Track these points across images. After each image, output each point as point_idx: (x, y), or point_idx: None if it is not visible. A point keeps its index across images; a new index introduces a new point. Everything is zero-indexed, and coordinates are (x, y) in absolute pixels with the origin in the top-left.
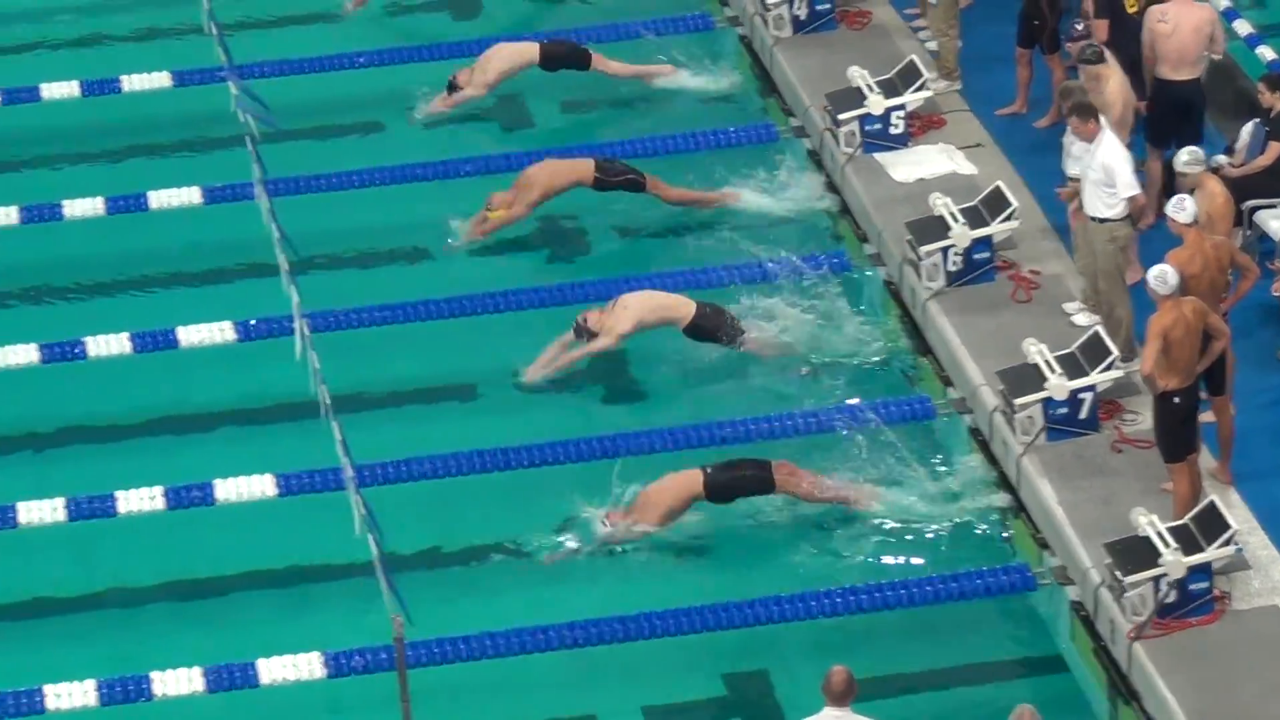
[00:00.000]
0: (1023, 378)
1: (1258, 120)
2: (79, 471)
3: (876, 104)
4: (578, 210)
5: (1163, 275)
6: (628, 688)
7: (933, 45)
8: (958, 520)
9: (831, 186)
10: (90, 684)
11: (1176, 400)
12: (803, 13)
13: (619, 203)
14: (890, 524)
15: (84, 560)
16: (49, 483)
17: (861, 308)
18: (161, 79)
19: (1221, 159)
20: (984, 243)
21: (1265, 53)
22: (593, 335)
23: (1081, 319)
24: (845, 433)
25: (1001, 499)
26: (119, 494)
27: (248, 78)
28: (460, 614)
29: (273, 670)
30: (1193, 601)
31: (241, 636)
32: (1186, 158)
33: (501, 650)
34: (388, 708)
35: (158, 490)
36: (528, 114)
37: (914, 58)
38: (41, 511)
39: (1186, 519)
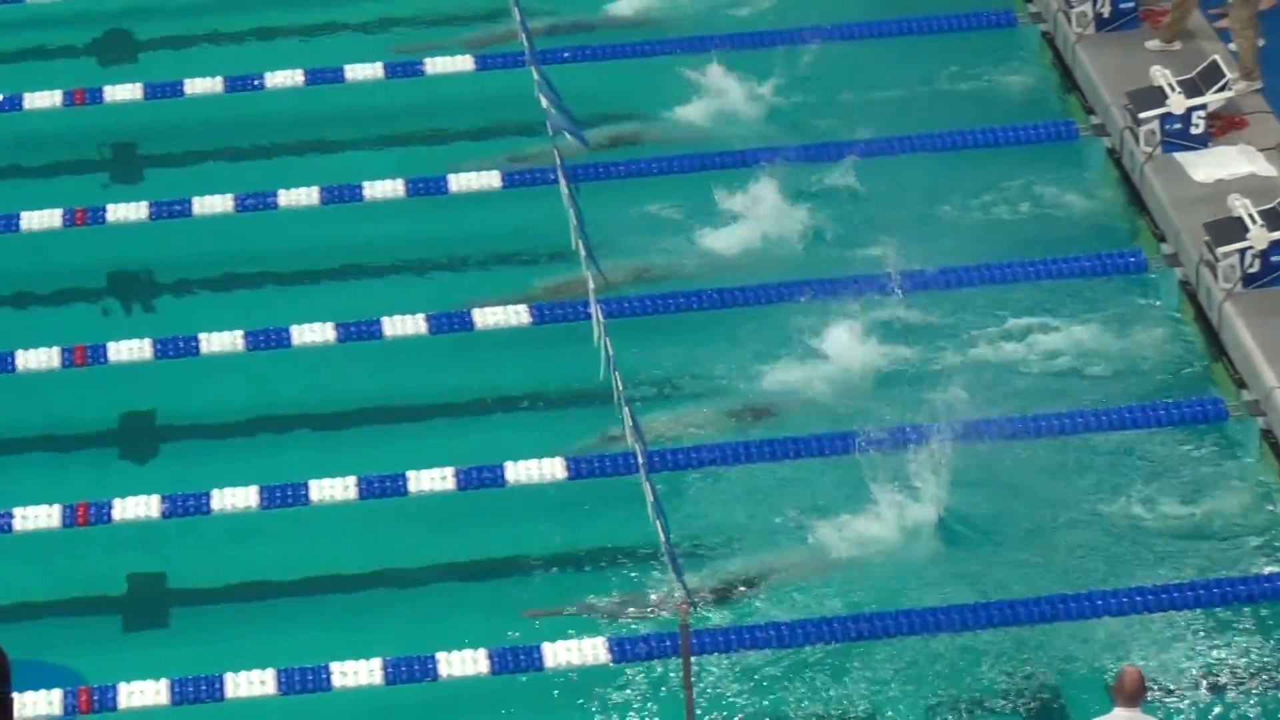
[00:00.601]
0: None
1: None
2: (372, 452)
3: (1178, 103)
4: (863, 201)
5: None
6: (905, 683)
7: (1234, 46)
8: (1249, 524)
9: (1129, 185)
10: (377, 662)
11: None
12: (1106, 10)
13: (916, 194)
14: (1179, 525)
15: (369, 538)
16: (340, 462)
17: (1157, 306)
18: (464, 63)
19: None
20: None
21: None
22: None
23: None
24: (1138, 433)
25: None
26: (410, 474)
27: (549, 63)
28: (736, 604)
29: (557, 654)
30: None
31: (525, 620)
32: None
33: (785, 641)
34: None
35: (449, 471)
36: (827, 103)
37: (1216, 58)
38: (334, 490)
39: None
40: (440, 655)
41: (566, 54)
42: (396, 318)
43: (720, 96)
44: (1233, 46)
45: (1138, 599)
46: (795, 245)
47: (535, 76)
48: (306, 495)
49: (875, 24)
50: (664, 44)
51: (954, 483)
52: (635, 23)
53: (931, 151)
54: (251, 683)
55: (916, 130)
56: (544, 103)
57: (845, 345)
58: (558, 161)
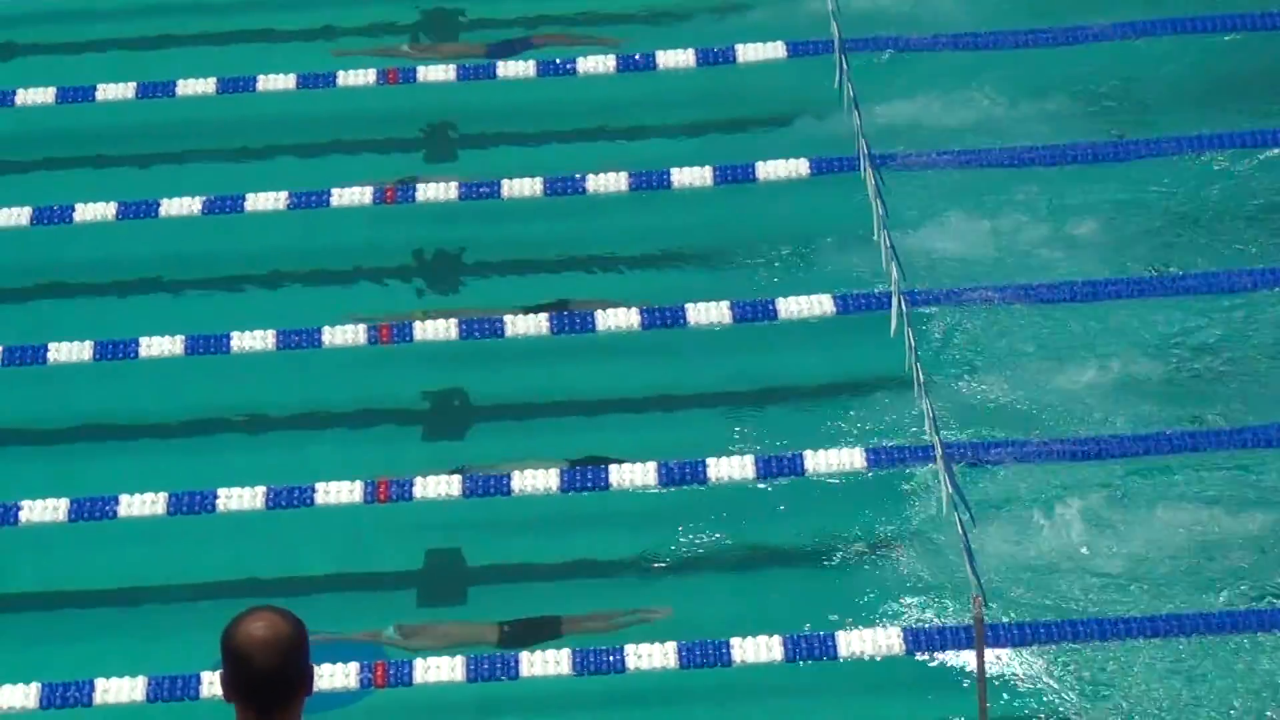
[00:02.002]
0: None
1: None
2: (671, 440)
3: None
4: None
5: None
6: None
7: None
8: None
9: None
10: (671, 645)
11: None
12: None
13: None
14: None
15: (667, 526)
16: (641, 447)
17: None
18: (775, 49)
19: None
20: None
21: None
22: None
23: None
24: None
25: None
26: (710, 460)
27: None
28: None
29: (851, 644)
30: None
31: (818, 608)
32: None
33: (1081, 637)
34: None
35: (749, 459)
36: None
37: None
38: (634, 474)
39: None
40: (734, 641)
41: (887, 51)
42: (701, 305)
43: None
44: None
45: None
46: (1103, 244)
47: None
48: (607, 480)
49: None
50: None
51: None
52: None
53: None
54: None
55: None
56: (849, 92)
57: (1151, 350)
58: (863, 150)
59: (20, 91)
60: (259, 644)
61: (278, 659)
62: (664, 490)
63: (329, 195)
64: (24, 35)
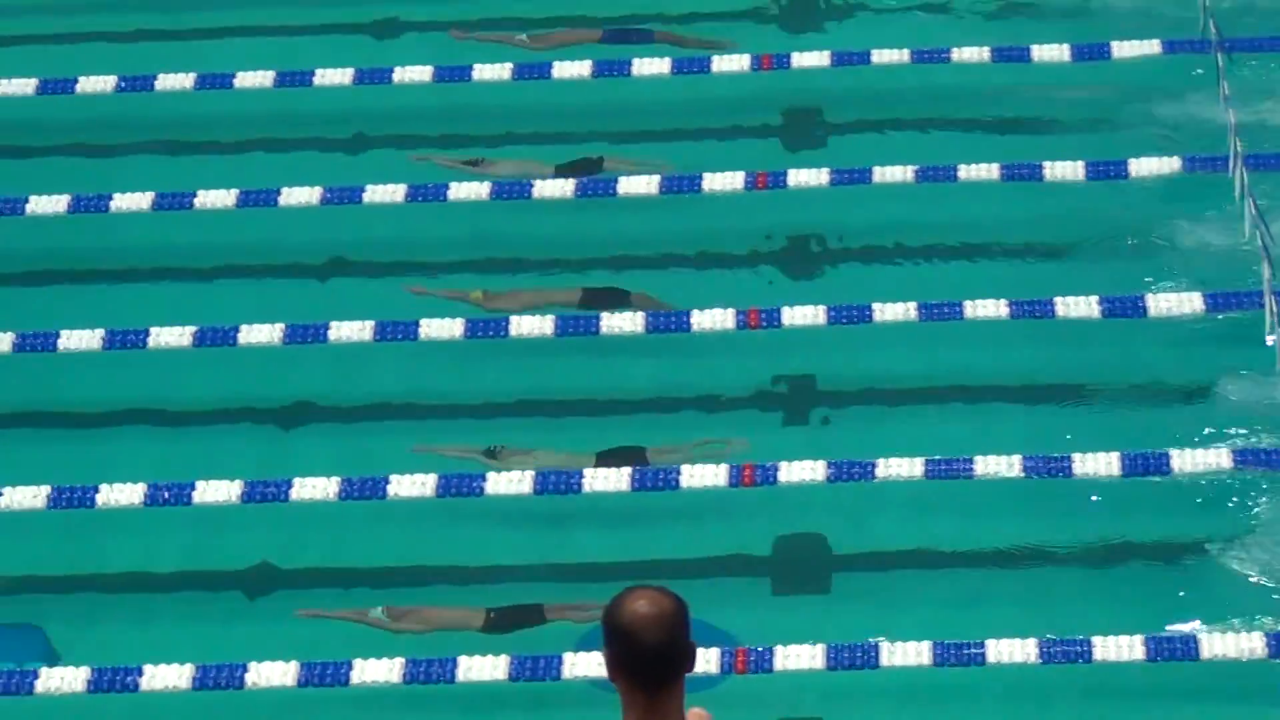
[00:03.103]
0: None
1: None
2: (1035, 430)
3: None
4: None
5: None
6: None
7: None
8: None
9: None
10: (1033, 642)
11: None
12: None
13: None
14: None
15: (1037, 517)
16: (1003, 438)
17: None
18: (1153, 47)
19: None
20: None
21: None
22: None
23: None
24: None
25: None
26: (1076, 456)
27: None
28: None
29: (1214, 646)
30: None
31: (1178, 608)
32: None
33: None
34: None
35: (1114, 457)
36: None
37: None
38: (998, 465)
39: None
40: (1096, 640)
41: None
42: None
43: None
44: None
45: None
46: None
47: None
48: (972, 469)
49: None
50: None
51: None
52: None
53: None
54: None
55: None
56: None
57: None
58: (1235, 149)
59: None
60: (645, 621)
61: (665, 635)
62: (1028, 479)
63: (700, 180)
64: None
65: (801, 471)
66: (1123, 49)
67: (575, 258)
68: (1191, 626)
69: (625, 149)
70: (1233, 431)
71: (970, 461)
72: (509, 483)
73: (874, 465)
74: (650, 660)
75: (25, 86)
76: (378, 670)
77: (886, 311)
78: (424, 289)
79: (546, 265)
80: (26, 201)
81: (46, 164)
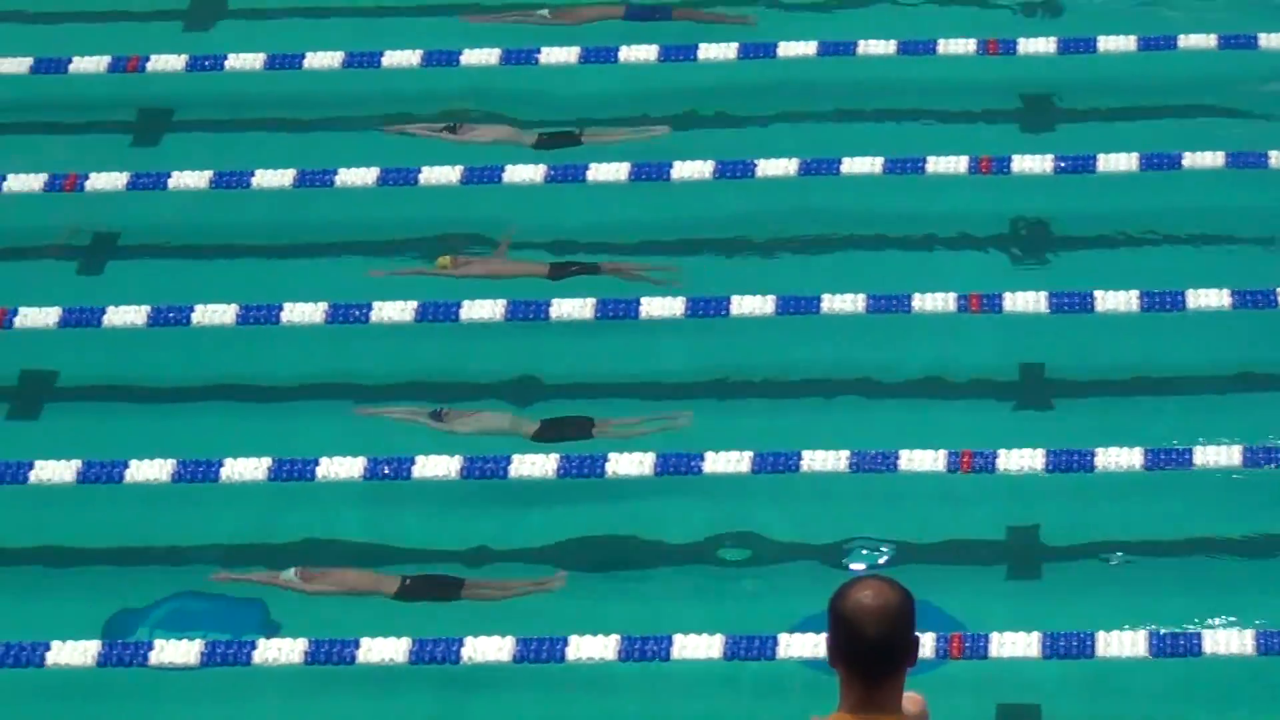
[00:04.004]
0: None
1: None
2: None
3: None
4: None
5: None
6: None
7: None
8: None
9: None
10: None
11: None
12: None
13: None
14: None
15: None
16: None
17: None
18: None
19: None
20: None
21: None
22: None
23: None
24: None
25: None
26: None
27: None
28: None
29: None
30: None
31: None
32: None
33: None
34: None
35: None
36: None
37: None
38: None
39: None
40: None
41: None
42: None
43: None
44: None
45: None
46: None
47: None
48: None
49: None
50: None
51: None
52: None
53: None
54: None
55: None
56: None
57: None
58: None
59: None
60: (868, 612)
61: (886, 628)
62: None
63: (924, 162)
64: None
65: (1021, 459)
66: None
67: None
68: None
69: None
70: None
71: (1189, 452)
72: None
73: (1093, 455)
74: (869, 652)
75: None
76: (593, 646)
77: (1108, 300)
78: (383, 272)
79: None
80: None
81: None
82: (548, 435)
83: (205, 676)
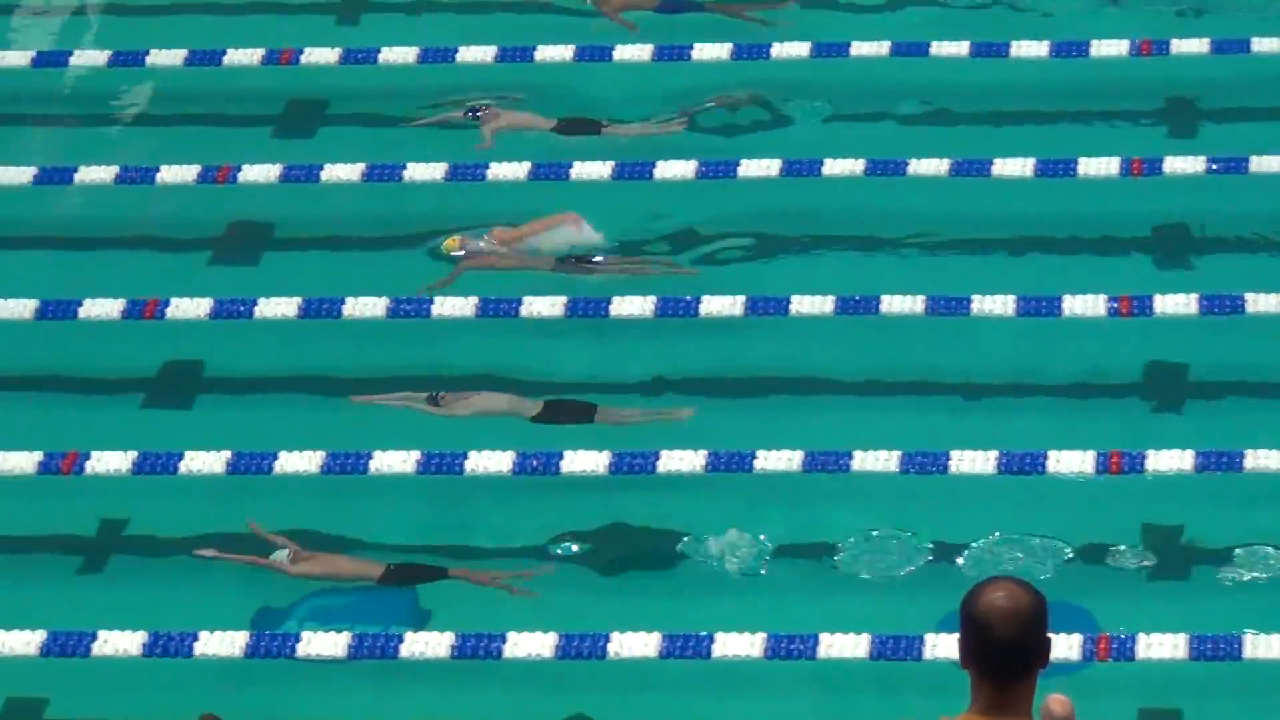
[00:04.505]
0: None
1: None
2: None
3: None
4: None
5: None
6: None
7: None
8: None
9: None
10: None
11: None
12: None
13: None
14: None
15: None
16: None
17: None
18: None
19: None
20: None
21: None
22: None
23: None
24: None
25: None
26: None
27: None
28: None
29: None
30: None
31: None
32: None
33: None
34: None
35: None
36: None
37: None
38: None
39: None
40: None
41: None
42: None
43: None
44: None
45: None
46: None
47: None
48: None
49: None
50: None
51: None
52: None
53: None
54: None
55: None
56: None
57: None
58: None
59: None
60: (1000, 614)
61: (1017, 630)
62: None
63: (1075, 164)
64: None
65: (1169, 460)
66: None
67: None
68: None
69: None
70: None
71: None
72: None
73: (1241, 456)
74: (1001, 653)
75: None
76: (740, 644)
77: (1259, 303)
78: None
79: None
80: None
81: None
82: (549, 418)
83: (353, 669)
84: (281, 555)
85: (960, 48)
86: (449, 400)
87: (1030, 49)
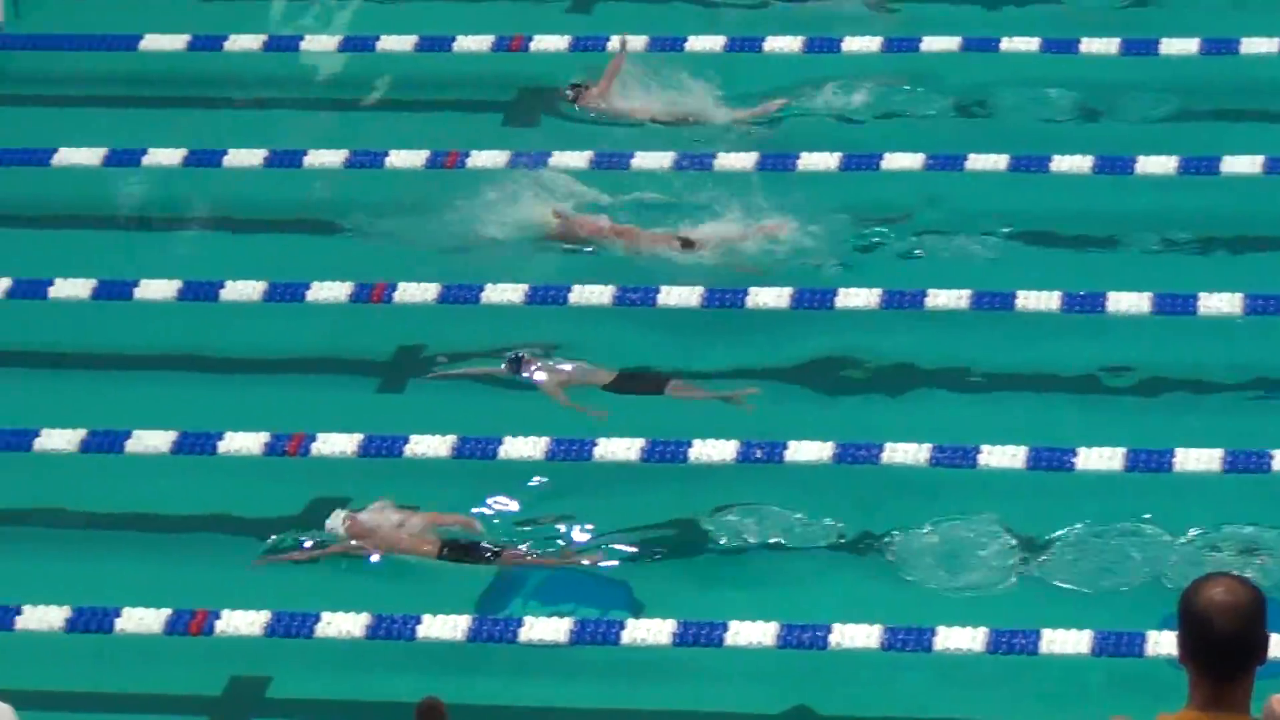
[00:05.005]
0: None
1: None
2: None
3: None
4: None
5: None
6: None
7: None
8: None
9: None
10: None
11: None
12: None
13: None
14: None
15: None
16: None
17: None
18: None
19: None
20: None
21: None
22: None
23: None
24: None
25: None
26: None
27: None
28: None
29: None
30: None
31: None
32: None
33: None
34: None
35: None
36: None
37: None
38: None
39: None
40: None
41: None
42: None
43: None
44: None
45: None
46: None
47: None
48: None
49: None
50: None
51: None
52: None
53: None
54: None
55: None
56: None
57: None
58: None
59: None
60: (1219, 609)
61: (1238, 625)
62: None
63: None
64: None
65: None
66: None
67: None
68: None
69: None
70: None
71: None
72: None
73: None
74: (1220, 649)
75: None
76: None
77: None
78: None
79: None
80: None
81: None
82: (619, 387)
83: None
84: (336, 522)
85: (1190, 45)
86: (528, 365)
87: (1260, 45)
